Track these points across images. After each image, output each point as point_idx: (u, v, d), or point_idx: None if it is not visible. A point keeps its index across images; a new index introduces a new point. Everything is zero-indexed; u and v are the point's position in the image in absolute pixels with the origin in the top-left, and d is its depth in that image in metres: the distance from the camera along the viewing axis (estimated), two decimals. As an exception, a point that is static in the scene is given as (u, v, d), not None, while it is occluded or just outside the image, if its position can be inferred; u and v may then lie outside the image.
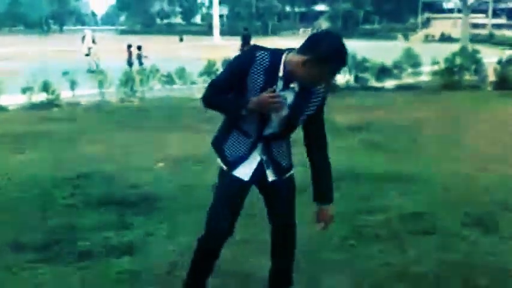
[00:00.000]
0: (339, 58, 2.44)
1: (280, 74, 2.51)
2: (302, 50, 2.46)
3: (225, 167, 2.76)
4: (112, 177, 5.74)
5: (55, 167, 6.24)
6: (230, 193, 2.77)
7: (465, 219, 4.46)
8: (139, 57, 19.78)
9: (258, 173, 2.74)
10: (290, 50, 2.55)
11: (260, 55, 2.53)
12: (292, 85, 2.53)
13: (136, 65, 18.27)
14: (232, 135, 2.71)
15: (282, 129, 2.66)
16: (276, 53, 2.54)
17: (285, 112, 2.56)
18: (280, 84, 2.52)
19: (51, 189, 5.30)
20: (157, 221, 4.46)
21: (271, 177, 2.76)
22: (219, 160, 2.80)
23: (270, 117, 2.60)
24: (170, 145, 7.42)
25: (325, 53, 2.39)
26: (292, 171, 2.87)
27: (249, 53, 2.58)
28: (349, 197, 5.06)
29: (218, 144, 2.79)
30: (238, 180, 2.73)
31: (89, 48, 21.37)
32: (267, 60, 2.52)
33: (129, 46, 20.42)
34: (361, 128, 8.64)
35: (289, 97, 2.55)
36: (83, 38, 21.85)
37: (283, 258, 3.02)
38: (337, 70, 2.50)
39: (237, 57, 2.71)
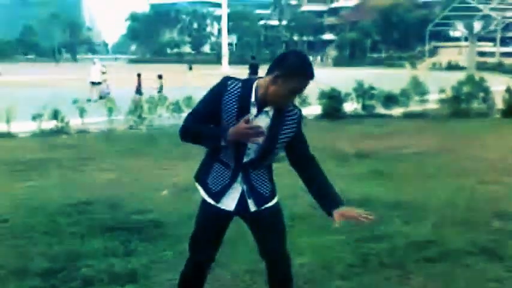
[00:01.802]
0: (305, 70, 2.52)
1: (252, 99, 2.56)
2: (270, 70, 2.55)
3: (209, 200, 2.76)
4: (117, 203, 5.76)
5: (62, 193, 6.28)
6: (213, 223, 2.80)
7: (470, 247, 4.42)
8: (160, 86, 19.98)
9: (241, 204, 2.72)
10: (261, 77, 2.64)
11: (231, 83, 2.60)
12: (266, 109, 2.58)
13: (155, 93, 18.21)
14: (214, 168, 2.72)
15: (261, 155, 2.64)
16: (247, 81, 2.63)
17: (261, 138, 2.57)
18: (253, 110, 2.57)
19: (57, 216, 5.32)
20: (162, 249, 4.46)
21: (252, 207, 2.73)
22: (202, 192, 2.81)
23: (246, 145, 2.61)
24: (176, 173, 7.45)
25: (292, 67, 2.49)
26: (275, 200, 2.82)
27: (220, 83, 2.64)
28: (354, 224, 5.02)
29: (201, 177, 2.81)
30: (223, 211, 2.74)
31: (102, 75, 21.53)
32: (238, 88, 2.59)
33: (139, 75, 20.66)
34: (368, 155, 8.63)
35: (265, 122, 2.58)
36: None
37: None
38: (304, 83, 2.53)
39: (210, 89, 2.71)
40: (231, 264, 4.05)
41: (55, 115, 11.70)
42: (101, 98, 19.73)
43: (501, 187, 6.47)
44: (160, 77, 20.45)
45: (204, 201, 2.80)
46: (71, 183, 6.86)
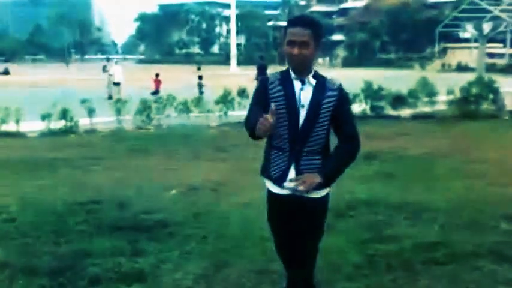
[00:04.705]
0: (292, 18, 2.81)
1: (293, 75, 2.80)
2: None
3: (274, 189, 2.89)
4: (125, 203, 5.78)
5: (70, 193, 6.31)
6: (283, 215, 2.91)
7: (478, 248, 4.40)
8: (200, 86, 19.99)
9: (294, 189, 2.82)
10: None
11: (271, 76, 2.88)
12: (306, 80, 2.78)
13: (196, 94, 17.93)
14: (272, 156, 2.87)
15: (306, 127, 2.76)
16: (284, 70, 2.88)
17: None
18: (297, 83, 2.79)
19: (65, 215, 5.35)
20: (170, 248, 4.47)
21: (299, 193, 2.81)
22: (268, 183, 2.93)
23: (297, 124, 2.75)
24: (184, 172, 7.46)
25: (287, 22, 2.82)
26: (323, 192, 2.87)
27: (261, 81, 2.91)
28: (362, 225, 5.04)
29: (264, 169, 2.95)
30: (285, 196, 2.85)
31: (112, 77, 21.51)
32: (277, 75, 2.87)
33: (157, 75, 20.69)
34: (377, 157, 8.59)
35: (308, 92, 2.78)
36: (104, 67, 22.14)
37: None
38: (294, 30, 2.72)
39: (254, 91, 2.96)
40: (237, 264, 4.06)
41: (64, 115, 11.76)
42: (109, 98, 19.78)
43: (509, 189, 6.42)
44: (200, 77, 20.40)
45: (269, 195, 2.93)
46: (79, 183, 6.90)
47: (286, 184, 2.81)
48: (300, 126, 2.77)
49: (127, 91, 18.95)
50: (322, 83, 2.81)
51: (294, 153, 2.79)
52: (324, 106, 2.77)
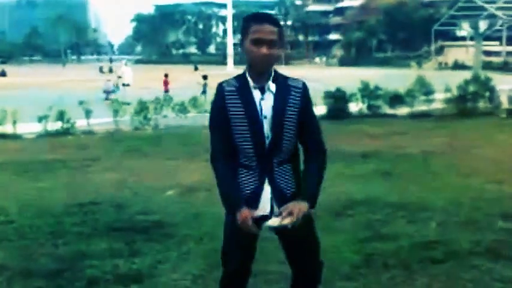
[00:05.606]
0: (252, 15, 2.56)
1: (251, 84, 2.54)
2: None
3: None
4: (123, 204, 5.79)
5: (67, 194, 6.31)
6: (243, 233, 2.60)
7: (475, 246, 4.41)
8: (204, 85, 19.99)
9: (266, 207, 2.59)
10: None
11: (225, 84, 2.59)
12: (266, 87, 2.53)
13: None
14: (241, 174, 2.61)
15: (274, 133, 2.52)
16: (243, 73, 2.60)
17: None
18: (257, 93, 2.53)
19: (62, 216, 5.35)
20: (167, 249, 4.47)
21: (276, 209, 2.56)
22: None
23: (262, 134, 2.52)
24: (181, 173, 7.47)
25: (243, 21, 2.55)
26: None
27: (216, 90, 2.61)
28: (359, 224, 5.05)
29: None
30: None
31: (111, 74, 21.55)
32: (233, 84, 2.58)
33: (166, 75, 20.70)
34: (373, 155, 8.61)
35: (269, 100, 2.53)
36: (101, 68, 22.20)
37: None
38: (258, 27, 2.47)
39: (211, 103, 2.69)
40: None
41: (61, 116, 11.76)
42: (106, 95, 19.70)
43: (507, 187, 6.43)
44: (205, 77, 20.42)
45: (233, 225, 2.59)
46: (77, 184, 6.89)
47: (271, 223, 2.42)
48: (265, 139, 2.52)
49: (136, 92, 18.75)
50: (283, 86, 2.55)
51: (264, 169, 2.56)
52: (288, 113, 2.53)
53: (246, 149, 2.55)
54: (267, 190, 2.58)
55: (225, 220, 2.70)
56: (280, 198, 2.57)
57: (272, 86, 2.54)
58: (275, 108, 2.52)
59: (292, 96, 2.56)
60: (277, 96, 2.53)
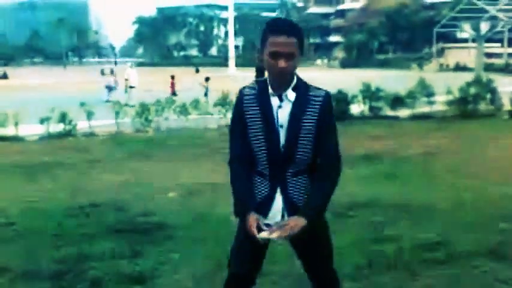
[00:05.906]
0: (270, 25, 2.44)
1: (270, 91, 2.49)
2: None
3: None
4: (124, 206, 5.79)
5: (69, 196, 6.31)
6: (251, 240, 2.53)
7: (477, 248, 4.40)
8: (206, 88, 20.01)
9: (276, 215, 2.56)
10: None
11: (247, 89, 2.58)
12: (284, 96, 2.47)
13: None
14: (255, 181, 2.60)
15: (288, 144, 2.48)
16: (261, 80, 2.57)
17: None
18: (275, 100, 2.48)
19: (64, 218, 5.35)
20: (169, 250, 4.47)
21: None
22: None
23: (278, 143, 2.48)
24: (183, 174, 7.47)
25: (263, 31, 2.45)
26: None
27: (238, 94, 2.61)
28: (362, 225, 5.05)
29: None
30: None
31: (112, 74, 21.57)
32: (255, 86, 2.56)
33: (173, 77, 20.75)
34: (375, 157, 8.61)
35: (287, 109, 2.47)
36: (102, 71, 22.23)
37: None
38: (276, 39, 2.38)
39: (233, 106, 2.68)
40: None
41: (63, 118, 11.76)
42: (108, 92, 19.71)
43: (509, 188, 6.43)
44: (207, 79, 20.44)
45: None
46: (78, 186, 6.90)
47: (261, 234, 2.37)
48: (280, 148, 2.48)
49: (139, 96, 18.71)
50: (303, 95, 2.47)
51: (277, 178, 2.53)
52: (304, 124, 2.46)
53: (261, 156, 2.53)
54: (278, 199, 2.55)
55: (238, 222, 2.67)
56: (291, 209, 2.52)
57: (291, 95, 2.47)
58: (291, 117, 2.46)
59: (310, 106, 2.47)
60: (295, 106, 2.47)
